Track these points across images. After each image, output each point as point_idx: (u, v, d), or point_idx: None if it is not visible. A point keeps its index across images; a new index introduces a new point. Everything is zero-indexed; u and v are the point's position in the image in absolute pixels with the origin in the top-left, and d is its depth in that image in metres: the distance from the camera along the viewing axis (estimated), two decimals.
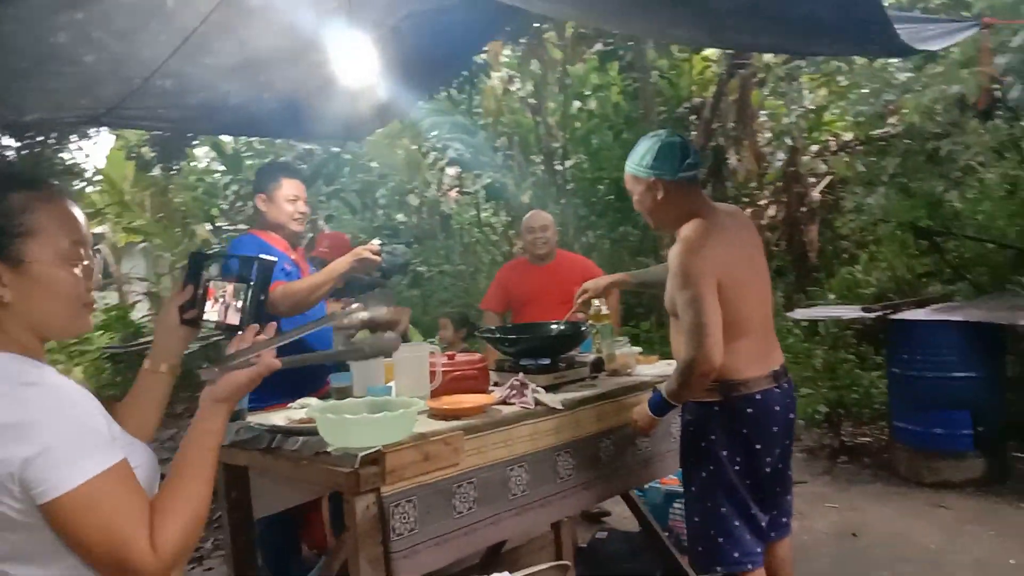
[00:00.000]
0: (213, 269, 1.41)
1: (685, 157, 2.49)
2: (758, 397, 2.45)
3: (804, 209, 8.87)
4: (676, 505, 3.56)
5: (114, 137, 9.87)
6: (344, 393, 2.57)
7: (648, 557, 3.35)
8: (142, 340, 8.93)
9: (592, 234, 7.89)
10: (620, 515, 3.93)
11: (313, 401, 2.57)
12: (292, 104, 3.19)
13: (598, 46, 7.52)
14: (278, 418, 2.37)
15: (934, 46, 2.24)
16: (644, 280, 3.11)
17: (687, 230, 2.46)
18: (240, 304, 1.33)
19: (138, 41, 2.62)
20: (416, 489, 2.12)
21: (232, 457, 2.37)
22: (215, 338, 5.97)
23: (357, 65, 3.06)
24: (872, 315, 4.84)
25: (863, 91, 6.55)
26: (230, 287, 1.36)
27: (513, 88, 8.91)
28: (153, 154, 7.86)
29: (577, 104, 8.20)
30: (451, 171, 10.47)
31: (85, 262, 1.23)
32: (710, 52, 7.54)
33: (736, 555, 2.48)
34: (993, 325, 4.39)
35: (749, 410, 2.45)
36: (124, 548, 1.07)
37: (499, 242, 9.80)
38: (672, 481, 3.52)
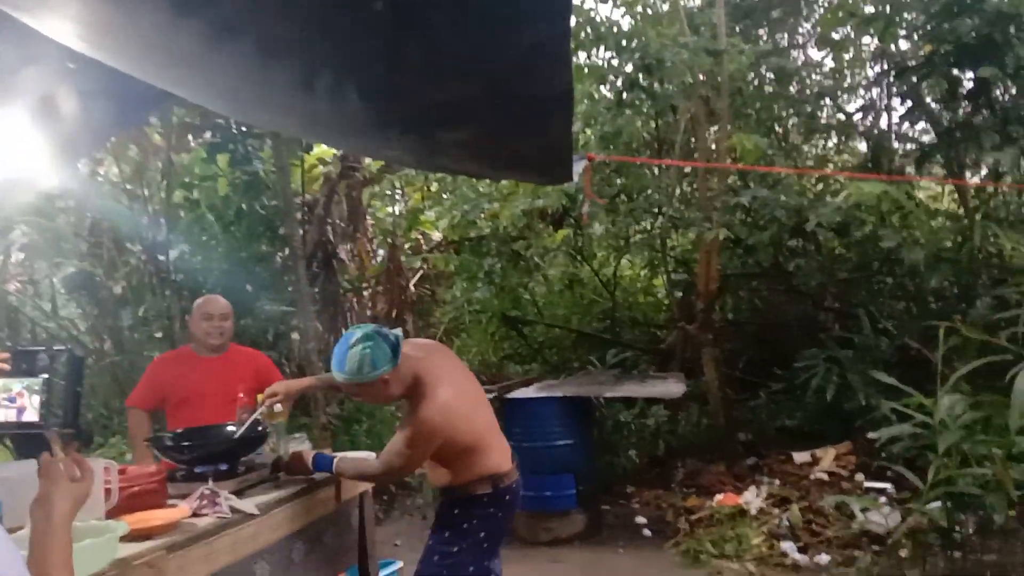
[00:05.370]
0: None
1: (394, 342, 2.65)
2: (514, 486, 2.86)
3: (404, 299, 9.55)
4: None
5: None
6: None
7: None
8: None
9: None
10: None
11: None
12: None
13: (207, 135, 7.33)
14: None
15: (574, 175, 2.80)
16: (333, 384, 3.19)
17: (441, 395, 2.66)
18: (39, 400, 1.23)
19: None
20: None
21: None
22: None
23: None
24: (491, 395, 5.43)
25: (461, 199, 7.41)
26: (20, 387, 1.23)
27: (102, 171, 8.20)
28: None
29: (182, 193, 7.83)
30: (17, 257, 9.14)
31: None
32: (322, 153, 7.86)
33: None
34: (584, 398, 5.28)
35: (508, 497, 2.84)
36: None
37: (80, 336, 8.74)
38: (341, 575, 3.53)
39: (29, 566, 1.24)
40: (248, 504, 2.48)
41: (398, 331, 2.73)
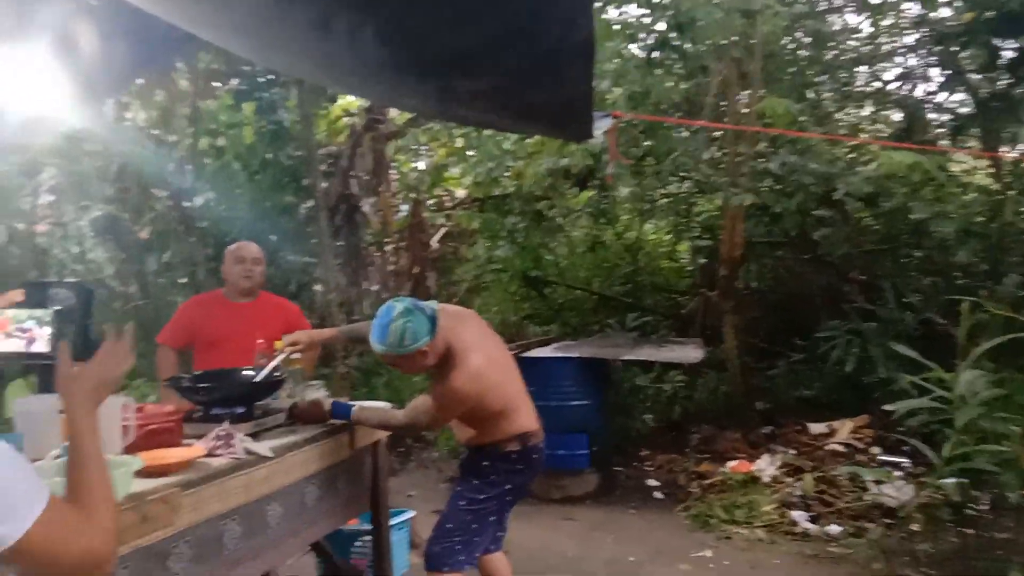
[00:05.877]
0: None
1: (432, 315, 2.69)
2: (541, 445, 2.98)
3: (426, 256, 9.56)
4: (357, 544, 3.64)
5: None
6: None
7: None
8: None
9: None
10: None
11: None
12: None
13: (234, 82, 7.32)
14: None
15: (596, 133, 2.76)
16: (355, 337, 3.22)
17: (473, 363, 2.71)
18: (50, 331, 1.25)
19: None
20: (131, 554, 1.94)
21: None
22: None
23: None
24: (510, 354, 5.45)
25: (485, 156, 7.34)
26: (31, 319, 1.24)
27: (129, 116, 8.21)
28: None
29: (208, 140, 7.84)
30: (46, 199, 9.23)
31: None
32: (347, 104, 7.82)
33: (462, 558, 2.88)
34: (600, 359, 5.28)
35: (535, 456, 2.95)
36: (88, 555, 1.21)
37: (106, 279, 8.86)
38: (352, 521, 3.59)
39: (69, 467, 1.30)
40: (263, 447, 2.51)
41: (434, 304, 2.78)
